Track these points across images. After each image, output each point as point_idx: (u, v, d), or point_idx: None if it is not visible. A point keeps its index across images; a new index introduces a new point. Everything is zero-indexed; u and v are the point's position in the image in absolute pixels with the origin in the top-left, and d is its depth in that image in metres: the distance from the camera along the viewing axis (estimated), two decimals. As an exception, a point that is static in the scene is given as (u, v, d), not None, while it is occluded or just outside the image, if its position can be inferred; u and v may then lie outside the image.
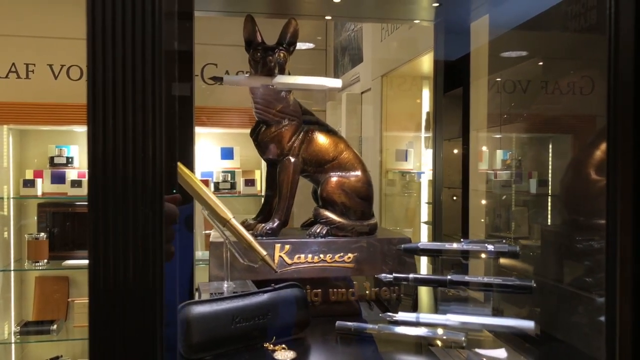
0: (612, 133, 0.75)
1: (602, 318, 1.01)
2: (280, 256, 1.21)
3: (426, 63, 2.42)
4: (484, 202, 1.64)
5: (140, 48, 0.64)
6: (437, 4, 1.41)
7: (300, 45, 1.30)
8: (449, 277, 1.07)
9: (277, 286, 1.06)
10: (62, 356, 3.08)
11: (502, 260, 1.15)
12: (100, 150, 0.65)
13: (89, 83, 0.64)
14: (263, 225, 1.28)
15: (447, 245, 1.11)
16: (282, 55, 1.25)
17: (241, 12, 1.35)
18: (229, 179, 3.33)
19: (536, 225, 1.50)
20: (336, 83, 1.28)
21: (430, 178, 2.61)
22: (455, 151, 1.55)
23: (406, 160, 2.93)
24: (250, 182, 3.32)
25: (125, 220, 0.66)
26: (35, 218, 3.12)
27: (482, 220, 1.61)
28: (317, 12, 1.58)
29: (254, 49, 1.26)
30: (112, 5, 0.64)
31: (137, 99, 0.65)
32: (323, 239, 1.26)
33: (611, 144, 0.76)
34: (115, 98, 0.65)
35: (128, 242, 0.66)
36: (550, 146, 1.44)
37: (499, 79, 1.57)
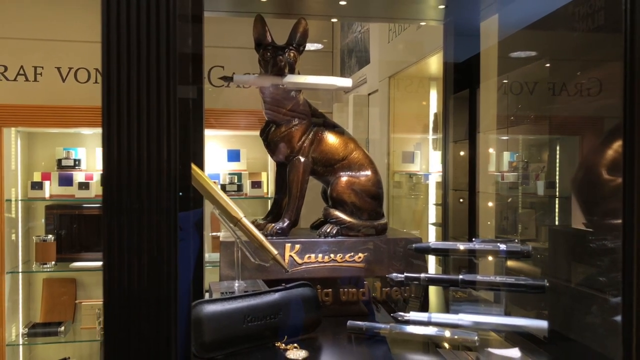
0: (629, 131, 0.74)
1: (615, 318, 1.00)
2: (290, 256, 1.21)
3: (434, 64, 2.41)
4: (490, 204, 1.63)
5: (155, 51, 0.64)
6: (442, 7, 1.41)
7: (308, 46, 1.30)
8: (461, 276, 1.06)
9: (288, 285, 1.05)
10: (69, 358, 3.08)
11: (510, 263, 1.14)
12: (115, 152, 0.65)
13: (104, 87, 0.64)
14: (273, 225, 1.27)
15: (459, 245, 1.10)
16: (292, 54, 1.25)
17: (248, 12, 1.35)
18: (236, 181, 3.33)
19: (543, 228, 1.49)
20: (346, 82, 1.27)
21: (438, 180, 2.61)
22: (462, 153, 1.55)
23: (413, 162, 2.93)
24: (257, 184, 3.32)
25: (140, 221, 0.66)
26: (43, 220, 3.13)
27: (490, 222, 1.60)
28: (325, 12, 1.58)
29: (263, 48, 1.26)
30: (127, 9, 0.64)
31: (152, 102, 0.65)
32: (333, 239, 1.25)
33: (627, 142, 0.75)
34: (129, 101, 0.65)
35: (142, 243, 0.66)
36: (558, 148, 1.43)
37: (506, 81, 1.56)
